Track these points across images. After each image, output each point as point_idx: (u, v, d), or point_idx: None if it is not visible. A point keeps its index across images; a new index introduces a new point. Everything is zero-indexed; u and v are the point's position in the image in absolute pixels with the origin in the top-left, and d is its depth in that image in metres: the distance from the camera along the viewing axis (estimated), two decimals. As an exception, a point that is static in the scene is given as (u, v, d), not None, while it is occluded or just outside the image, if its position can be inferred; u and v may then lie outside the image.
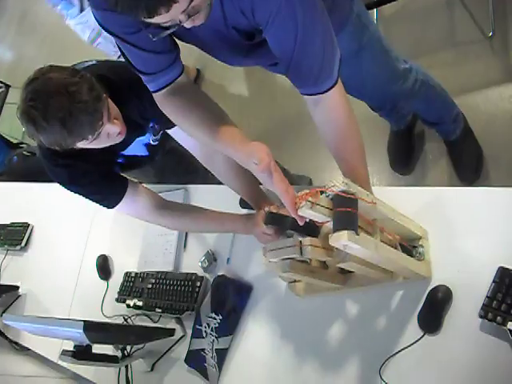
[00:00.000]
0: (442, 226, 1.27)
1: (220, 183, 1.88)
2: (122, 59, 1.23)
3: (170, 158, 1.96)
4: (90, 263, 2.11)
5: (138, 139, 1.59)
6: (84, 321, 1.36)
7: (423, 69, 1.79)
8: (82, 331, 1.35)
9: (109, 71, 1.43)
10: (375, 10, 2.36)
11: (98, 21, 1.10)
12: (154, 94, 1.24)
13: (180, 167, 2.04)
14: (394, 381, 1.19)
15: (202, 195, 1.73)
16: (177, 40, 1.22)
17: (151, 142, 1.64)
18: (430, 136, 2.27)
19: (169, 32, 0.98)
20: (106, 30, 1.11)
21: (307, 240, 1.17)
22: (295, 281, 1.43)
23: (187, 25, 0.96)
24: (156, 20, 0.90)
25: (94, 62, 1.48)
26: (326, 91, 1.14)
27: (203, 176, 2.09)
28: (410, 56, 1.80)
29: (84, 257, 2.17)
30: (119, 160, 1.62)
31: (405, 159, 2.28)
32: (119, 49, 1.17)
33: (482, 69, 2.23)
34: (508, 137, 2.07)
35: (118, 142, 1.38)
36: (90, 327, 1.37)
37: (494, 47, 2.22)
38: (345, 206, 0.99)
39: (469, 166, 2.06)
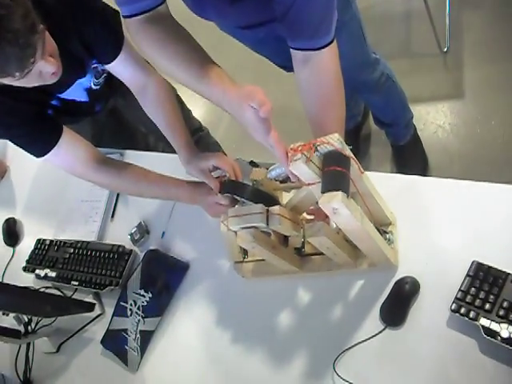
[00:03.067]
0: (412, 215, 1.19)
1: (163, 151, 1.71)
2: None
3: (111, 119, 1.76)
4: (-6, 225, 1.83)
5: (78, 82, 1.38)
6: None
7: (388, 65, 1.75)
8: (-13, 291, 1.12)
9: None
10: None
11: None
12: (126, 20, 1.05)
13: (120, 131, 1.84)
14: (348, 375, 1.08)
15: (139, 162, 1.54)
16: None
17: (92, 85, 1.43)
18: (375, 140, 2.24)
19: None
20: None
21: (276, 209, 1.04)
22: (243, 260, 1.30)
23: None
24: None
25: None
26: (321, 48, 1.03)
27: (144, 143, 1.92)
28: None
29: (-12, 217, 1.88)
30: (54, 102, 1.39)
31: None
32: None
33: (434, 81, 2.24)
34: (453, 148, 2.09)
35: (49, 82, 1.16)
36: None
37: (447, 62, 2.24)
38: (338, 165, 0.87)
39: (414, 172, 2.03)
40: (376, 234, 1.02)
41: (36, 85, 1.14)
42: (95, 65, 1.38)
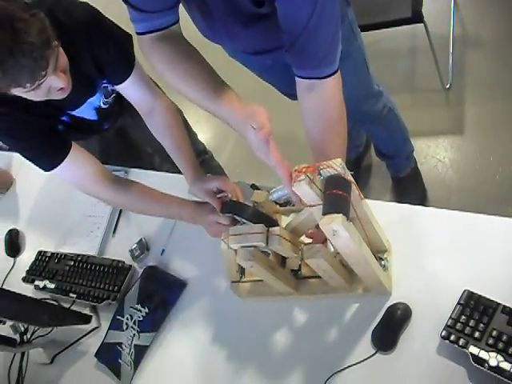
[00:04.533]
0: (407, 243, 1.21)
1: (167, 171, 1.75)
2: None
3: (119, 138, 1.80)
4: (-3, 236, 1.86)
5: (88, 101, 1.43)
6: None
7: (391, 98, 1.80)
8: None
9: (60, 11, 1.22)
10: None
11: None
12: (139, 37, 1.10)
13: (127, 150, 1.88)
14: (338, 397, 1.09)
15: (143, 181, 1.57)
16: None
17: (102, 104, 1.48)
18: (376, 172, 2.28)
19: None
20: None
21: (276, 229, 1.07)
22: (240, 280, 1.32)
23: None
24: None
25: None
26: (325, 77, 1.08)
27: (150, 163, 1.96)
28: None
29: (-9, 228, 1.91)
30: (64, 118, 1.43)
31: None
32: None
33: (435, 117, 2.29)
34: (452, 182, 2.12)
35: (57, 98, 1.19)
36: (-2, 294, 1.17)
37: (449, 99, 2.30)
38: (340, 188, 0.90)
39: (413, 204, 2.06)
40: (372, 259, 1.04)
41: (44, 99, 1.17)
42: (105, 84, 1.42)
